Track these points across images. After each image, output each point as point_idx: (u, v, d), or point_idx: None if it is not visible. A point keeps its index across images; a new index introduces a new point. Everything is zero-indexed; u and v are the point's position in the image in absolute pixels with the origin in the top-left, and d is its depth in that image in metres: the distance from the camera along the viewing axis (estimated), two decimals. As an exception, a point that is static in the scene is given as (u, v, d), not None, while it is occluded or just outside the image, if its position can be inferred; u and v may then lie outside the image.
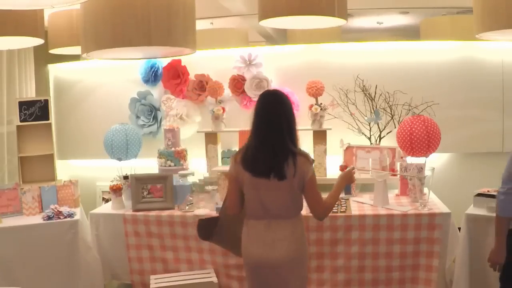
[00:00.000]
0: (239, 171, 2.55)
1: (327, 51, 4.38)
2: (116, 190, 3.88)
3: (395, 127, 4.02)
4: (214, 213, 3.59)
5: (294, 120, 2.52)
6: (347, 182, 2.86)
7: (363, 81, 4.17)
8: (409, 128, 3.64)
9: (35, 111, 4.45)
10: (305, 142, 3.72)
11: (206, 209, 3.71)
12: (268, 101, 2.52)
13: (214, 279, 3.46)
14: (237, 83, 4.37)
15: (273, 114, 2.47)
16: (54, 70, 5.07)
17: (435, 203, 3.61)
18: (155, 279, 3.51)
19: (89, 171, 4.99)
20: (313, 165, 2.63)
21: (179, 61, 4.50)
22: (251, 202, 2.56)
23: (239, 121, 4.36)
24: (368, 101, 4.17)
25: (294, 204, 2.54)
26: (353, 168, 2.90)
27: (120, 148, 4.15)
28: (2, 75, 4.47)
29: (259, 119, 2.48)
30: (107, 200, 4.52)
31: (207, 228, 3.24)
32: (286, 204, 2.51)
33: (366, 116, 4.18)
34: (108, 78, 4.81)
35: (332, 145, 4.08)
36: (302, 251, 2.62)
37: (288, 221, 2.53)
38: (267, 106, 2.50)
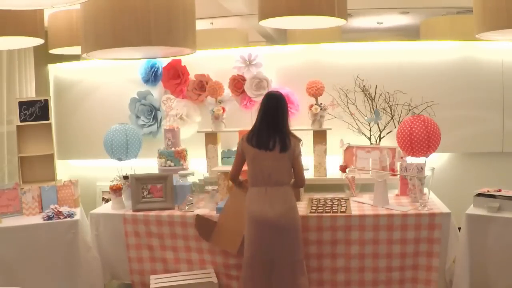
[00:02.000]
0: (245, 147, 3.23)
1: (327, 51, 4.38)
2: (116, 190, 3.88)
3: (395, 127, 4.02)
4: (214, 213, 3.60)
5: (288, 113, 3.28)
6: None
7: (363, 81, 4.17)
8: (409, 128, 3.64)
9: (35, 111, 4.45)
10: (305, 142, 3.72)
11: (206, 209, 3.71)
12: (272, 97, 3.25)
13: (214, 279, 3.46)
14: (237, 83, 4.37)
15: (275, 107, 3.22)
16: (54, 70, 5.07)
17: (435, 203, 3.61)
18: (155, 279, 3.51)
19: (89, 171, 4.99)
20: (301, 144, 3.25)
21: (179, 61, 4.50)
22: (254, 172, 3.20)
23: (239, 121, 4.37)
24: (368, 101, 4.17)
25: (287, 172, 3.18)
26: None
27: (120, 148, 4.15)
28: (2, 75, 4.47)
29: (266, 109, 3.22)
30: (107, 200, 4.52)
31: (206, 228, 3.37)
32: (282, 171, 3.16)
33: (366, 116, 4.18)
34: (108, 78, 4.81)
35: (332, 145, 4.08)
36: (294, 215, 3.18)
37: (281, 188, 3.16)
38: (271, 101, 3.24)
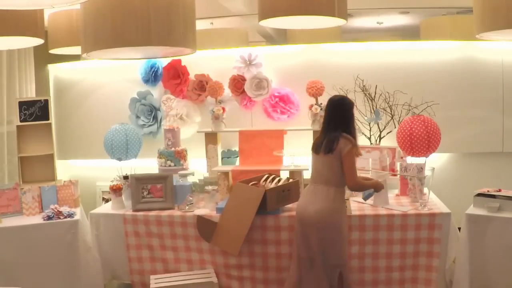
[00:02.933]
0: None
1: (327, 51, 4.38)
2: (116, 190, 3.88)
3: (395, 127, 4.01)
4: (214, 213, 3.60)
5: (345, 115, 3.21)
6: (376, 187, 3.29)
7: (363, 81, 4.17)
8: (409, 128, 3.64)
9: (35, 111, 4.45)
10: (305, 142, 3.72)
11: (206, 209, 3.71)
12: (328, 103, 3.29)
13: (214, 279, 3.46)
14: (237, 83, 4.37)
15: (327, 111, 3.27)
16: (54, 70, 5.07)
17: (435, 203, 3.61)
18: (155, 279, 3.51)
19: (89, 171, 5.00)
20: (356, 146, 3.17)
21: (179, 61, 4.50)
22: (311, 172, 3.29)
23: (239, 121, 4.37)
24: (368, 101, 4.17)
25: (332, 173, 3.13)
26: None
27: (120, 148, 4.15)
28: (2, 75, 4.48)
29: (324, 118, 3.31)
30: (107, 200, 4.53)
31: (207, 229, 3.37)
32: (328, 172, 3.14)
33: (366, 116, 4.18)
34: (108, 78, 4.81)
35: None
36: (334, 218, 3.11)
37: (324, 187, 3.13)
38: (327, 107, 3.29)
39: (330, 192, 3.11)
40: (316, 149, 3.23)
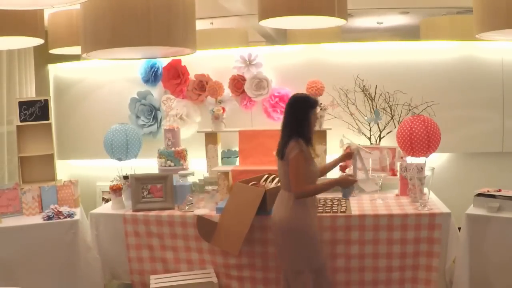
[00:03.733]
0: None
1: (327, 51, 4.38)
2: (116, 190, 3.89)
3: (395, 127, 4.02)
4: (214, 213, 3.60)
5: (303, 118, 3.01)
6: (341, 184, 3.14)
7: (363, 81, 4.17)
8: (409, 128, 3.64)
9: (35, 111, 4.45)
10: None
11: (206, 209, 3.71)
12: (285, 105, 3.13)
13: (214, 279, 3.46)
14: (237, 83, 4.37)
15: (284, 116, 3.09)
16: (54, 70, 5.07)
17: (435, 203, 3.61)
18: (155, 279, 3.51)
19: (89, 171, 4.99)
20: (302, 150, 2.97)
21: (179, 61, 4.50)
22: None
23: (239, 121, 4.37)
24: (368, 101, 4.17)
25: (287, 179, 3.02)
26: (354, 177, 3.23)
27: (120, 148, 4.15)
28: (2, 75, 4.48)
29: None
30: (107, 200, 4.52)
31: (207, 229, 3.38)
32: (282, 177, 3.07)
33: (366, 116, 4.18)
34: (108, 78, 4.81)
35: (332, 145, 4.08)
36: (291, 224, 3.01)
37: (285, 193, 3.06)
38: (284, 110, 3.12)
39: (290, 198, 2.99)
40: (277, 153, 3.10)
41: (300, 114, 3.00)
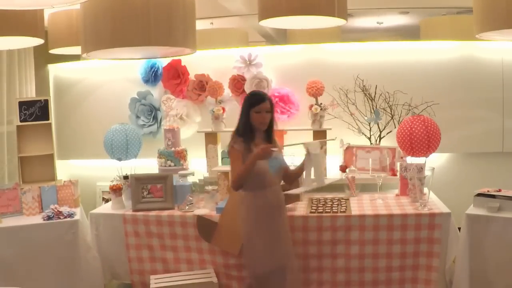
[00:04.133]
0: None
1: (327, 51, 4.38)
2: (116, 190, 3.88)
3: (395, 127, 4.02)
4: (214, 213, 3.60)
5: (242, 113, 3.06)
6: (259, 156, 2.88)
7: (363, 81, 4.17)
8: (409, 128, 3.64)
9: (35, 111, 4.45)
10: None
11: (206, 209, 3.71)
12: None
13: (214, 279, 3.46)
14: (237, 83, 4.37)
15: None
16: (54, 70, 5.07)
17: (435, 203, 3.61)
18: (155, 279, 3.51)
19: (89, 171, 4.99)
20: (233, 146, 3.01)
21: (179, 61, 4.50)
22: None
23: (239, 121, 4.36)
24: (368, 101, 4.17)
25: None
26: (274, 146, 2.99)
27: (120, 148, 4.15)
28: (2, 75, 4.47)
29: None
30: (107, 200, 4.52)
31: (207, 229, 3.38)
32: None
33: (366, 116, 4.18)
34: (108, 78, 4.81)
35: (332, 145, 4.08)
36: (241, 225, 3.10)
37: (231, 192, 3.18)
38: None
39: (239, 196, 3.08)
40: None
41: (241, 110, 3.09)
